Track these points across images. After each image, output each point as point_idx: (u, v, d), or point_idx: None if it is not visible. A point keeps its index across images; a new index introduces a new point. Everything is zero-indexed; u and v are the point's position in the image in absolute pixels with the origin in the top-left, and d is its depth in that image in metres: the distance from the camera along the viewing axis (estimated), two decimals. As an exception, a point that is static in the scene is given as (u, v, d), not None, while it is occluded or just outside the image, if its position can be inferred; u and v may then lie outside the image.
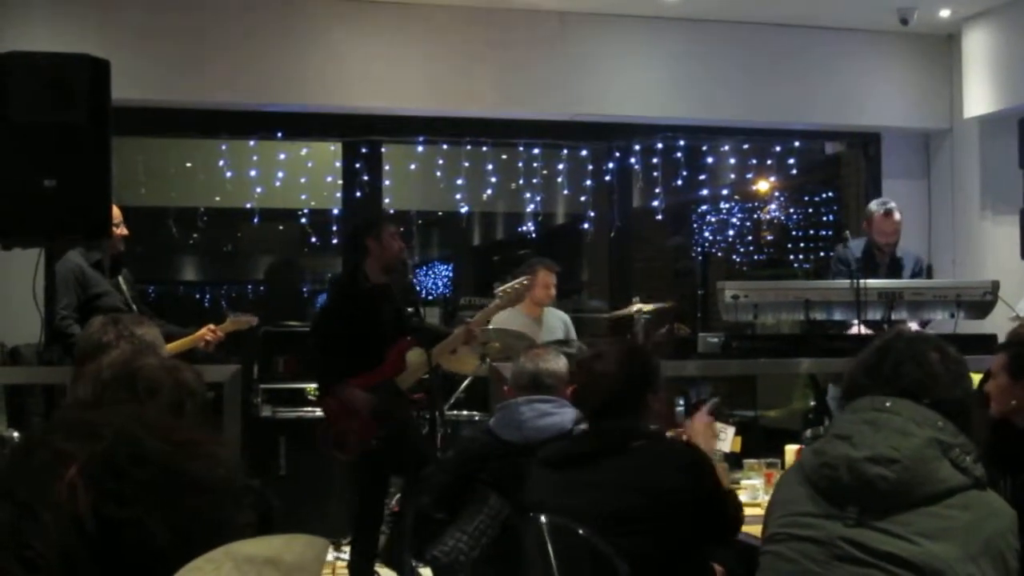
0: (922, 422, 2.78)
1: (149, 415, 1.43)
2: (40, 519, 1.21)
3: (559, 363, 4.92)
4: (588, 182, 9.82)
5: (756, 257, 12.21)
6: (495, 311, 6.88)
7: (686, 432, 4.34)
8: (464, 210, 9.71)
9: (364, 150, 9.13)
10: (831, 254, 8.44)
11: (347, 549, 7.62)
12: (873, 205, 8.12)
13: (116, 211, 6.74)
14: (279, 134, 9.03)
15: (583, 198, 9.90)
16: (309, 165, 10.10)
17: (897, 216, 7.93)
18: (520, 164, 9.54)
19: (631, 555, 3.59)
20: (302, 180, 10.04)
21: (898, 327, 3.37)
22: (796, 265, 11.61)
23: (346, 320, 6.69)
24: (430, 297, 15.04)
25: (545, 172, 9.57)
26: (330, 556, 7.37)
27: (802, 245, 11.62)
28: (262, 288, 16.58)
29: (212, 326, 6.81)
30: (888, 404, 2.84)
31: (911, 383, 2.90)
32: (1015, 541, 2.69)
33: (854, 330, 7.19)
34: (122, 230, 6.79)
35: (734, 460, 5.66)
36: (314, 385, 7.84)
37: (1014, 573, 2.65)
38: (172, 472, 1.29)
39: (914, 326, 7.20)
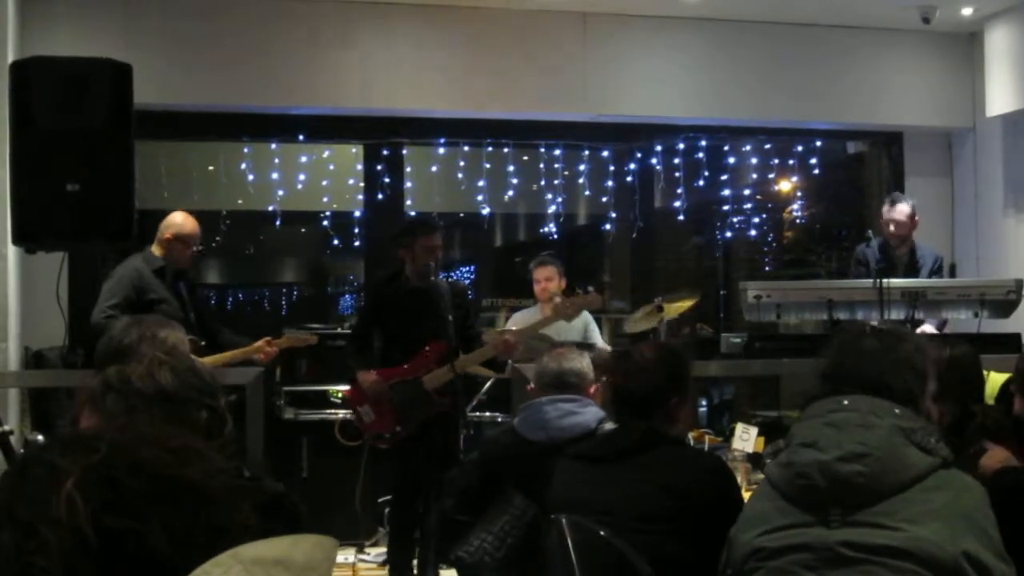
0: (881, 413, 2.80)
1: (143, 425, 1.44)
2: (41, 536, 1.22)
3: (583, 362, 4.94)
4: (610, 183, 9.80)
5: (778, 257, 12.17)
6: (543, 325, 6.97)
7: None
8: (485, 212, 9.71)
9: (385, 152, 9.14)
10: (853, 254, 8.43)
11: (371, 551, 7.65)
12: (886, 200, 8.14)
13: (196, 229, 6.86)
14: (300, 137, 9.04)
15: (605, 199, 9.89)
16: (331, 168, 10.11)
17: (903, 206, 7.90)
18: (541, 165, 9.53)
19: (654, 555, 3.59)
20: (324, 183, 10.06)
21: (843, 324, 3.36)
22: (818, 265, 11.57)
23: (375, 316, 7.00)
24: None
25: (566, 173, 9.56)
26: (352, 559, 7.38)
27: (824, 245, 11.58)
28: (284, 291, 16.61)
29: (269, 339, 6.90)
30: (845, 402, 2.86)
31: (851, 377, 2.92)
32: (991, 513, 2.70)
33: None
34: (192, 251, 6.93)
35: (757, 460, 5.65)
36: (338, 387, 7.89)
37: (997, 543, 2.65)
38: (168, 479, 1.29)
39: (929, 328, 7.17)
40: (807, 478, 2.75)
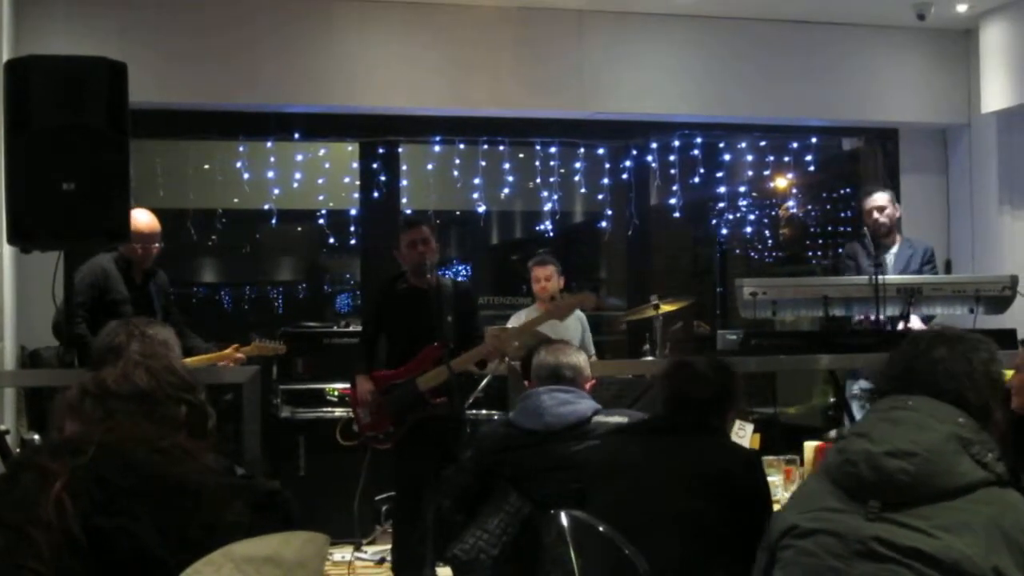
0: (943, 418, 2.79)
1: (125, 426, 1.44)
2: (32, 539, 1.22)
3: (579, 357, 5.00)
4: (606, 180, 9.80)
5: (774, 254, 12.18)
6: (536, 324, 6.94)
7: None
8: (481, 209, 9.71)
9: (381, 150, 9.14)
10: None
11: (368, 549, 7.66)
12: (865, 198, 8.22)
13: (155, 226, 6.78)
14: (296, 135, 9.04)
15: (601, 196, 9.89)
16: (326, 166, 10.11)
17: (883, 192, 8.01)
18: (537, 163, 9.53)
19: (689, 526, 3.81)
20: (320, 181, 10.06)
21: (934, 328, 3.38)
22: (814, 261, 11.58)
23: (377, 319, 7.00)
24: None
25: (562, 171, 9.56)
26: (348, 556, 7.38)
27: (820, 241, 11.58)
28: (280, 289, 16.61)
29: (237, 346, 6.86)
30: (910, 402, 2.86)
31: (922, 383, 2.93)
32: None
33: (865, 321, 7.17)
34: (158, 247, 6.83)
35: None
36: (334, 386, 7.90)
37: None
38: (156, 478, 1.29)
39: (917, 322, 7.19)
40: (853, 465, 2.78)
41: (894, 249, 7.94)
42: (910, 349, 3.07)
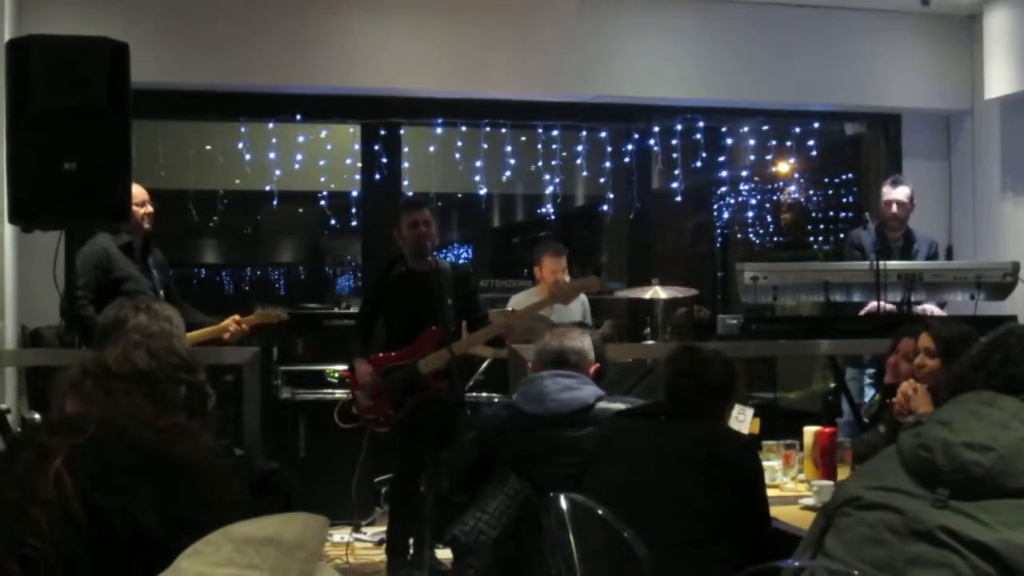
0: None
1: (125, 405, 1.44)
2: (31, 516, 1.22)
3: (584, 341, 4.99)
4: (607, 164, 9.80)
5: (775, 239, 12.18)
6: (541, 307, 6.95)
7: None
8: (483, 192, 9.70)
9: (383, 132, 9.12)
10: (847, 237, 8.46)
11: (367, 530, 7.68)
12: (886, 181, 8.20)
13: (139, 191, 6.76)
14: (298, 116, 9.02)
15: (602, 180, 9.89)
16: (328, 148, 10.11)
17: (906, 187, 7.97)
18: (539, 146, 9.52)
19: (685, 509, 3.92)
20: (321, 163, 10.05)
21: (1009, 324, 3.41)
22: (816, 247, 11.58)
23: (376, 301, 6.98)
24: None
25: (564, 154, 9.55)
26: (347, 537, 7.40)
27: (822, 227, 11.58)
28: (282, 271, 16.63)
29: (238, 317, 6.83)
30: (996, 400, 2.87)
31: (1016, 377, 2.93)
32: None
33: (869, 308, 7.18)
34: (147, 208, 6.81)
35: (753, 442, 5.66)
36: (335, 367, 7.91)
37: None
38: (156, 457, 1.30)
39: (932, 307, 7.19)
40: (929, 451, 2.78)
41: (899, 241, 7.93)
42: (1012, 345, 3.06)
